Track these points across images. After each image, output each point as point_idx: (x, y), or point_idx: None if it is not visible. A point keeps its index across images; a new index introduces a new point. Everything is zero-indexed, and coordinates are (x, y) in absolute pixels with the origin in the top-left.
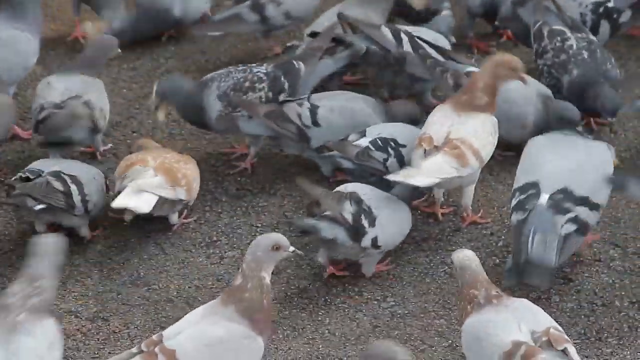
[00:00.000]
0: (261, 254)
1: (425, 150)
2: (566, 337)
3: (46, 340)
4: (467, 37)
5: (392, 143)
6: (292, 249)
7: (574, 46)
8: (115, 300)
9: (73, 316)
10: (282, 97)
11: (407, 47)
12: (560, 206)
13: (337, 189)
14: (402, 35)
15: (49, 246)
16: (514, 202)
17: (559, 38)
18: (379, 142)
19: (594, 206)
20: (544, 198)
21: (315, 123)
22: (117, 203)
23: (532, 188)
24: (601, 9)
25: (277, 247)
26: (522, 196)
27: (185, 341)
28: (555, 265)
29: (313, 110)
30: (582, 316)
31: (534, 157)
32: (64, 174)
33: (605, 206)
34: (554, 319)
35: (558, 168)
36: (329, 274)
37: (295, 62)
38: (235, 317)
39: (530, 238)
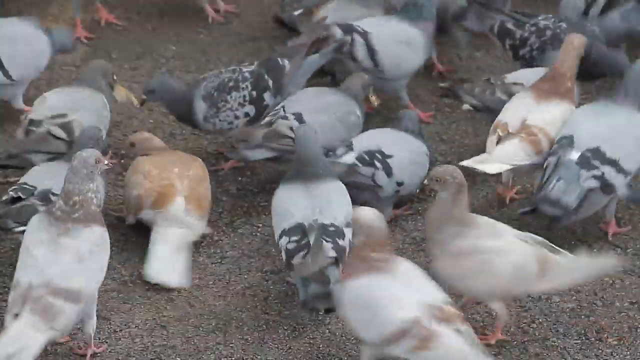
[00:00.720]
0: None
1: (499, 136)
2: (458, 312)
3: (89, 243)
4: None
5: (378, 155)
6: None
7: (549, 23)
8: (116, 299)
9: None
10: (266, 96)
11: (361, 49)
12: (588, 162)
13: (282, 216)
14: (355, 37)
15: (80, 161)
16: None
17: (527, 26)
18: (366, 157)
19: (621, 170)
20: (575, 154)
21: None
22: (153, 278)
23: (566, 139)
24: None
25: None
26: (556, 145)
27: None
28: (573, 208)
29: (299, 118)
30: (582, 316)
31: (574, 118)
32: (53, 194)
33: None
34: (555, 319)
35: (593, 129)
36: None
37: (279, 60)
38: None
39: (554, 181)
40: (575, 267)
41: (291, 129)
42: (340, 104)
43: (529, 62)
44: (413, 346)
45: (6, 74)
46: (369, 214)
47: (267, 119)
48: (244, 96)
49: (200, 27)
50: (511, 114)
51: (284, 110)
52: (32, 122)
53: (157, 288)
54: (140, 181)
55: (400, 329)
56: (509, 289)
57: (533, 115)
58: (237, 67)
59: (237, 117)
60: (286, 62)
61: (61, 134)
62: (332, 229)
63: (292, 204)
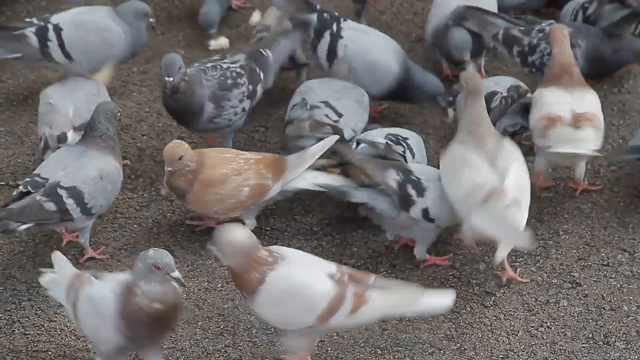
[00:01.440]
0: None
1: (576, 125)
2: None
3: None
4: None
5: (400, 137)
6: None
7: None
8: None
9: None
10: (259, 89)
11: (323, 48)
12: None
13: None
14: (326, 35)
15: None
16: None
17: (534, 32)
18: (392, 137)
19: None
20: None
21: (339, 114)
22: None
23: None
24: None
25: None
26: None
27: None
28: None
29: (330, 106)
30: (590, 320)
31: None
32: (62, 187)
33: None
34: (563, 323)
35: None
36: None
37: (263, 51)
38: None
39: None
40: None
41: (327, 115)
42: (350, 88)
43: (538, 68)
44: (351, 308)
45: (68, 55)
46: (240, 233)
47: (296, 112)
48: (243, 92)
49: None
50: (557, 107)
51: (310, 104)
52: (59, 138)
53: None
54: (225, 190)
55: (335, 298)
56: (461, 200)
57: (578, 104)
58: (217, 63)
59: (236, 114)
60: (269, 52)
61: None
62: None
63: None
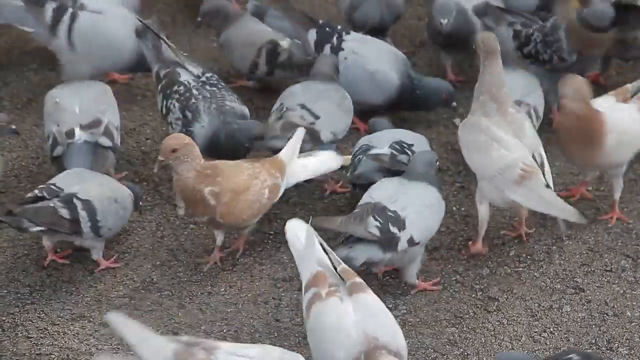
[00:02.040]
0: None
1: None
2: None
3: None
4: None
5: (405, 145)
6: None
7: (548, 22)
8: (128, 305)
9: (86, 321)
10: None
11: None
12: None
13: (365, 196)
14: (327, 49)
15: None
16: None
17: (534, 26)
18: (397, 146)
19: None
20: None
21: (316, 116)
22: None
23: None
24: None
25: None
26: None
27: None
28: None
29: (306, 108)
30: (593, 326)
31: None
32: (78, 198)
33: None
34: (566, 329)
35: None
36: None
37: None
38: None
39: None
40: None
41: (302, 117)
42: (332, 90)
43: (535, 58)
44: None
45: (72, 45)
46: None
47: (273, 117)
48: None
49: (213, 35)
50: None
51: (286, 107)
52: (67, 134)
53: (169, 294)
54: (250, 194)
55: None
56: (492, 177)
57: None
58: (192, 85)
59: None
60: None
61: (108, 142)
62: None
63: None
